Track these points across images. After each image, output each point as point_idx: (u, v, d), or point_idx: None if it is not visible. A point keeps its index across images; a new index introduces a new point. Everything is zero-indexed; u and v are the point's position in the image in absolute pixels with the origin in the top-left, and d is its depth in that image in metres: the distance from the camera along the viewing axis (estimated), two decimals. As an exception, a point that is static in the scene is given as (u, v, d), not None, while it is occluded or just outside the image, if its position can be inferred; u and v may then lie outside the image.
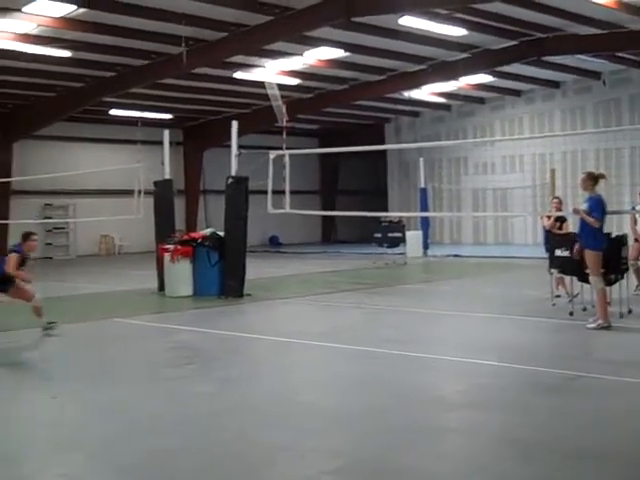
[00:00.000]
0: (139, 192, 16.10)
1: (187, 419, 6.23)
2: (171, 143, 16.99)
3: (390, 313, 12.38)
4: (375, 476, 4.88)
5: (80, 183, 28.22)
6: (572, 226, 13.05)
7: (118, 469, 5.12)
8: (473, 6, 17.71)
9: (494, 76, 26.05)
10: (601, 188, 10.11)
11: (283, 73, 23.87)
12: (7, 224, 26.39)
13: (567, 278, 11.79)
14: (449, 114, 32.88)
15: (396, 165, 35.25)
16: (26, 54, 19.72)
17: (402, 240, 23.97)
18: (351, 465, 5.08)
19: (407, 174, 33.96)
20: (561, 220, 12.78)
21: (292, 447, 5.47)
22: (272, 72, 23.45)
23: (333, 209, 36.09)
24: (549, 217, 13.01)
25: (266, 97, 23.05)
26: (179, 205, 23.42)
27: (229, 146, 14.79)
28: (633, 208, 14.61)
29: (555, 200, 13.40)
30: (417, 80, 25.45)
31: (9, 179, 25.71)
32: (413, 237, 24.99)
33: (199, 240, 14.75)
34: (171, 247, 14.69)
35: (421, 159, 27.10)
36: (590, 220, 9.71)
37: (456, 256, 24.77)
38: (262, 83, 23.26)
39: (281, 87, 23.48)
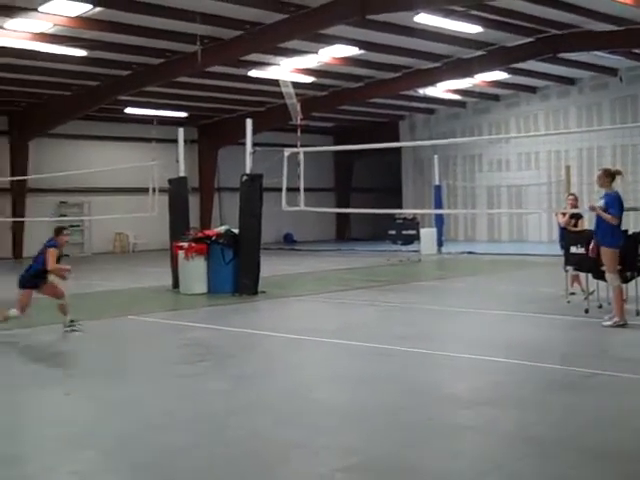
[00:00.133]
0: (154, 190, 16.16)
1: (201, 416, 6.24)
2: (186, 141, 17.04)
3: (404, 310, 12.36)
4: (389, 474, 4.87)
5: (95, 181, 28.37)
6: (587, 223, 12.98)
7: (132, 466, 5.13)
8: (488, 3, 17.63)
9: (509, 73, 25.94)
10: (617, 185, 10.04)
11: (298, 71, 23.86)
12: (23, 221, 26.64)
13: (582, 275, 11.73)
14: (464, 111, 32.78)
15: (411, 162, 35.18)
16: (42, 53, 19.84)
17: (416, 237, 23.93)
18: (365, 463, 5.07)
19: (422, 171, 33.89)
20: (576, 217, 12.70)
21: (306, 444, 5.47)
22: (287, 70, 23.46)
23: (347, 206, 36.11)
24: (564, 214, 12.93)
25: (281, 95, 23.11)
26: (193, 203, 23.49)
27: (244, 144, 14.82)
28: (649, 205, 14.53)
29: (570, 197, 13.34)
30: (432, 77, 25.38)
31: (25, 177, 25.90)
32: (427, 234, 24.94)
33: (213, 238, 14.77)
34: (185, 245, 14.73)
35: (436, 156, 27.06)
36: (607, 217, 9.63)
37: (470, 253, 24.70)
38: (277, 81, 23.31)
39: (296, 85, 23.55)
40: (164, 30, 18.82)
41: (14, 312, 9.82)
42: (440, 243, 25.49)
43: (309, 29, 18.70)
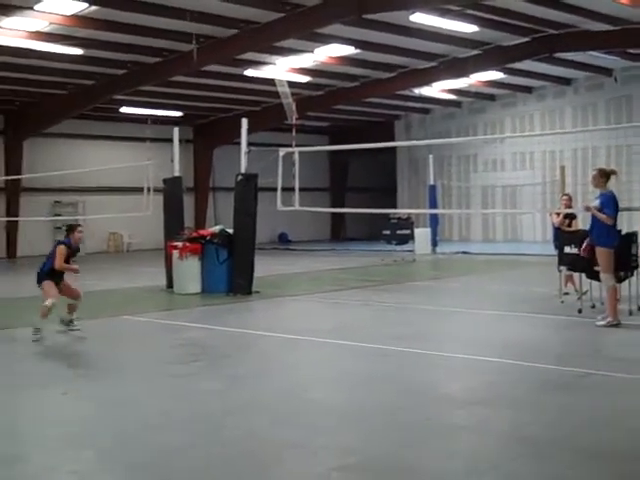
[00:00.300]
0: (148, 189, 16.14)
1: (197, 416, 6.24)
2: (181, 141, 17.03)
3: (399, 310, 12.37)
4: (386, 474, 4.88)
5: (89, 180, 28.32)
6: (581, 223, 13.02)
7: (129, 466, 5.13)
8: (484, 3, 17.66)
9: (505, 73, 25.98)
10: (612, 185, 10.06)
11: (293, 70, 23.86)
12: (17, 221, 26.58)
13: (576, 275, 11.75)
14: (459, 111, 32.81)
15: (406, 162, 35.20)
16: (38, 52, 19.81)
17: (411, 237, 23.95)
18: (362, 462, 5.08)
19: (416, 171, 33.91)
20: (570, 217, 12.73)
21: (302, 444, 5.47)
22: (282, 69, 23.45)
23: (342, 206, 36.09)
24: (558, 214, 12.96)
25: (276, 94, 23.11)
26: (188, 202, 23.52)
27: (239, 143, 14.81)
28: (644, 205, 14.56)
29: (564, 197, 13.37)
30: (428, 77, 25.40)
31: (19, 176, 25.84)
32: (422, 234, 24.97)
33: (208, 237, 14.76)
34: (180, 244, 14.72)
35: (431, 156, 27.06)
36: (602, 217, 9.65)
37: (465, 253, 24.73)
38: (272, 80, 23.31)
39: (291, 84, 23.54)
40: (160, 29, 18.80)
41: (49, 302, 9.70)
42: (434, 243, 25.53)
43: (305, 28, 18.69)
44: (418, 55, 23.03)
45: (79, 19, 17.49)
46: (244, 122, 14.78)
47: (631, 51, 23.54)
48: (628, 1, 17.05)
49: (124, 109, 28.32)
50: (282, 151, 14.31)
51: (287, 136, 23.99)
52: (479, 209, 31.74)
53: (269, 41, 19.76)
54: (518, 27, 20.51)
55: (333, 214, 37.36)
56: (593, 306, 11.20)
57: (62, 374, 8.09)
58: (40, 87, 24.82)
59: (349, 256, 25.40)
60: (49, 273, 9.96)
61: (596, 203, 9.84)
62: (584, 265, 10.59)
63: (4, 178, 26.07)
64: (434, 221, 26.11)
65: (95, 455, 5.40)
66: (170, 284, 15.15)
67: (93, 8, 16.78)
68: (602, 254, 9.77)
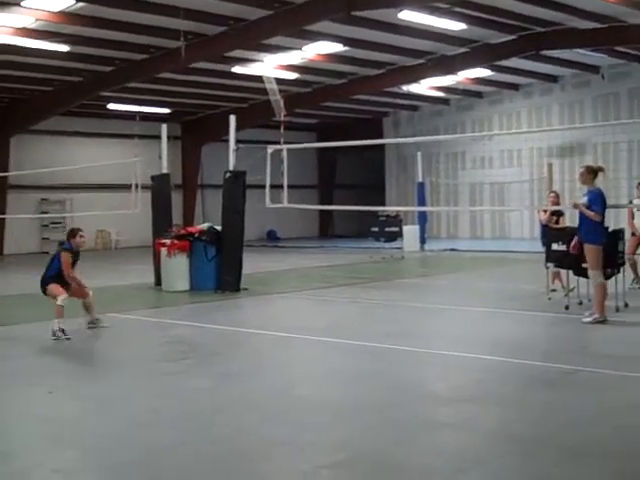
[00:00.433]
0: (136, 187, 16.08)
1: (185, 414, 6.23)
2: (169, 137, 16.98)
3: (387, 307, 12.39)
4: (375, 471, 4.89)
5: (77, 178, 28.15)
6: (569, 220, 13.08)
7: (115, 465, 5.11)
8: (472, 0, 17.69)
9: (493, 70, 26.05)
10: (599, 182, 10.11)
11: (281, 67, 23.84)
12: (4, 219, 26.42)
13: (563, 272, 11.81)
14: (448, 108, 32.86)
15: (394, 159, 35.24)
16: (24, 48, 19.68)
17: (399, 234, 23.99)
18: (350, 460, 5.09)
19: (405, 168, 33.96)
20: (558, 214, 12.78)
21: (291, 442, 5.48)
22: (270, 66, 23.42)
23: (331, 203, 36.09)
24: (545, 211, 13.02)
25: (264, 91, 23.07)
26: (176, 200, 23.45)
27: (227, 140, 14.79)
28: (630, 202, 14.64)
29: (552, 194, 13.41)
30: (416, 74, 25.44)
31: (6, 174, 25.68)
32: (410, 231, 24.99)
33: (196, 235, 14.73)
34: (168, 242, 14.68)
35: (419, 153, 27.12)
36: (590, 214, 9.69)
37: (453, 250, 24.78)
38: (260, 77, 23.27)
39: (279, 81, 23.51)
40: (147, 25, 18.74)
41: (60, 300, 9.62)
42: (423, 240, 25.54)
43: (293, 25, 18.69)
44: (406, 52, 23.06)
45: (66, 15, 17.41)
46: (232, 119, 14.76)
47: (618, 49, 23.65)
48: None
49: (111, 106, 28.21)
50: (270, 148, 14.30)
51: (275, 133, 23.97)
52: (467, 206, 31.81)
53: (257, 38, 19.72)
54: (505, 25, 20.58)
55: (321, 211, 37.34)
56: (580, 303, 11.26)
57: (49, 372, 8.06)
58: (27, 84, 24.69)
59: (337, 253, 25.41)
60: (53, 277, 9.86)
61: (584, 200, 9.88)
62: (571, 262, 10.64)
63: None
64: (422, 218, 26.13)
65: (80, 453, 5.39)
66: (158, 281, 15.12)
67: (80, 4, 16.71)
68: (590, 251, 9.81)
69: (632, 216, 13.20)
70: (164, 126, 16.49)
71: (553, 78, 28.74)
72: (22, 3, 16.42)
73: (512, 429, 5.67)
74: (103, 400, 6.75)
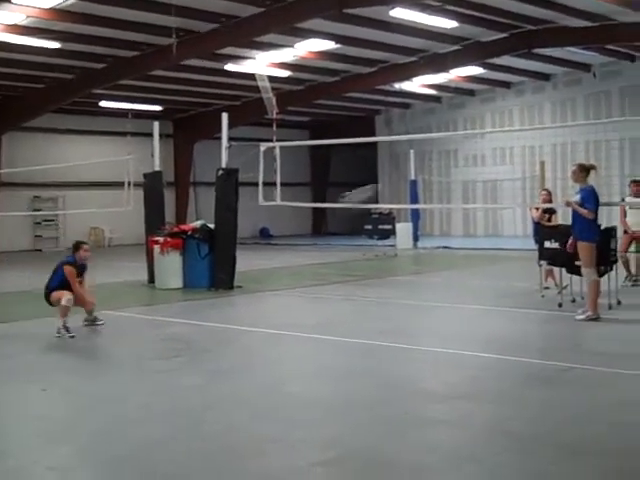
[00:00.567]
0: (129, 184, 16.05)
1: (177, 411, 6.23)
2: (161, 135, 16.95)
3: (380, 305, 12.39)
4: (366, 467, 4.89)
5: (69, 175, 28.06)
6: (561, 218, 13.10)
7: (108, 461, 5.11)
8: (464, -2, 17.71)
9: (484, 68, 26.05)
10: (591, 179, 10.13)
11: (274, 65, 23.79)
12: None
13: (556, 270, 11.83)
14: (440, 106, 32.87)
15: (386, 157, 35.24)
16: (15, 45, 19.57)
17: (392, 232, 24.04)
18: (342, 456, 5.08)
19: (397, 166, 33.96)
20: (550, 212, 12.81)
21: (282, 438, 5.47)
22: (263, 64, 23.38)
23: (324, 201, 36.06)
24: (538, 209, 13.04)
25: (257, 89, 23.01)
26: (169, 197, 23.36)
27: (219, 138, 14.76)
28: (623, 200, 14.67)
29: (544, 192, 13.43)
30: (408, 72, 25.43)
31: (-2, 171, 25.60)
32: (403, 229, 25.02)
33: (189, 232, 14.71)
34: (161, 239, 14.66)
35: (411, 151, 27.12)
36: (583, 212, 9.70)
37: (446, 248, 24.81)
38: (253, 75, 23.22)
39: (272, 79, 23.46)
40: (139, 22, 18.66)
41: (65, 301, 9.54)
42: (416, 238, 25.58)
43: (285, 23, 18.64)
44: (398, 50, 23.05)
45: (57, 12, 17.32)
46: (224, 117, 14.73)
47: (609, 47, 23.70)
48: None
49: (103, 103, 28.11)
50: (263, 146, 14.29)
51: (268, 131, 23.95)
52: (460, 204, 31.84)
53: (249, 35, 19.69)
54: (497, 23, 20.58)
55: (314, 209, 37.30)
56: (573, 300, 11.29)
57: (43, 370, 8.03)
58: (18, 81, 24.56)
59: (330, 251, 25.41)
60: (56, 288, 9.78)
61: (577, 198, 9.89)
62: (564, 259, 10.65)
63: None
64: (415, 216, 26.16)
65: (75, 450, 5.38)
66: (152, 279, 15.09)
67: (71, 1, 16.62)
68: (584, 249, 9.81)
69: (624, 214, 13.23)
70: (156, 124, 16.46)
71: (545, 76, 28.78)
72: (13, 0, 16.33)
73: (508, 426, 5.67)
74: (97, 397, 6.74)
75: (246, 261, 16.99)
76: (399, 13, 18.55)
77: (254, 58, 22.77)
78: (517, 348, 8.44)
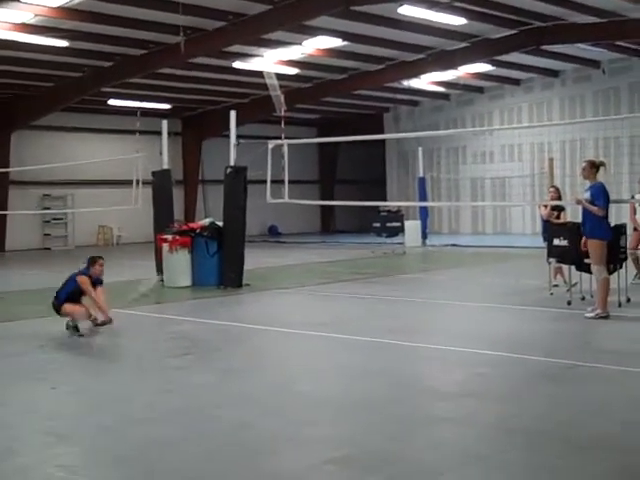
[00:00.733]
0: (137, 182, 16.09)
1: (187, 409, 6.24)
2: (169, 133, 16.99)
3: (389, 303, 12.38)
4: (378, 466, 4.89)
5: (78, 173, 28.17)
6: (570, 215, 13.06)
7: (117, 459, 5.12)
8: (472, -5, 17.67)
9: (493, 65, 26.01)
10: (600, 176, 10.09)
11: (282, 63, 23.81)
12: (5, 215, 26.42)
13: (565, 267, 11.80)
14: (448, 103, 32.82)
15: (395, 154, 35.21)
16: (24, 44, 19.65)
17: (401, 230, 23.98)
18: (354, 455, 5.08)
19: (406, 163, 33.94)
20: (559, 209, 12.78)
21: (293, 437, 5.48)
22: (271, 62, 23.40)
23: (332, 199, 36.10)
24: (546, 206, 13.01)
25: (265, 87, 22.98)
26: (178, 195, 23.42)
27: (228, 136, 14.77)
28: (632, 197, 14.62)
29: (552, 189, 13.40)
30: (416, 69, 25.40)
31: (7, 169, 25.68)
32: (412, 227, 24.99)
33: (198, 230, 14.73)
34: (170, 237, 14.68)
35: (420, 148, 27.08)
36: (593, 209, 9.65)
37: (454, 245, 24.77)
38: (261, 73, 23.21)
39: (280, 77, 23.42)
40: (147, 21, 18.72)
41: (78, 317, 9.53)
42: (424, 235, 25.54)
43: (293, 20, 18.65)
44: (406, 47, 23.02)
45: (65, 11, 17.37)
46: (232, 114, 14.74)
47: (618, 43, 23.60)
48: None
49: (112, 101, 28.19)
50: (271, 143, 14.30)
51: (276, 128, 23.92)
52: (468, 201, 31.80)
53: (257, 33, 19.71)
54: (506, 19, 20.54)
55: (323, 206, 37.34)
56: (583, 298, 11.26)
57: (52, 368, 8.05)
58: (27, 79, 24.66)
59: (339, 248, 25.41)
60: (67, 300, 9.67)
61: (586, 195, 9.85)
62: (573, 257, 10.62)
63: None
64: (424, 213, 26.12)
65: (84, 449, 5.40)
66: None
67: (79, 0, 16.66)
68: (595, 246, 9.76)
69: (634, 211, 13.17)
70: (164, 122, 16.48)
71: (554, 73, 28.70)
72: (22, -1, 16.39)
73: (515, 423, 5.66)
74: (107, 395, 6.76)
75: (254, 259, 17.01)
76: (407, 10, 18.53)
77: (262, 56, 22.79)
78: (526, 346, 8.42)
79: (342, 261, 20.44)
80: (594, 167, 9.98)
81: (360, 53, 23.49)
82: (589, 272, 10.48)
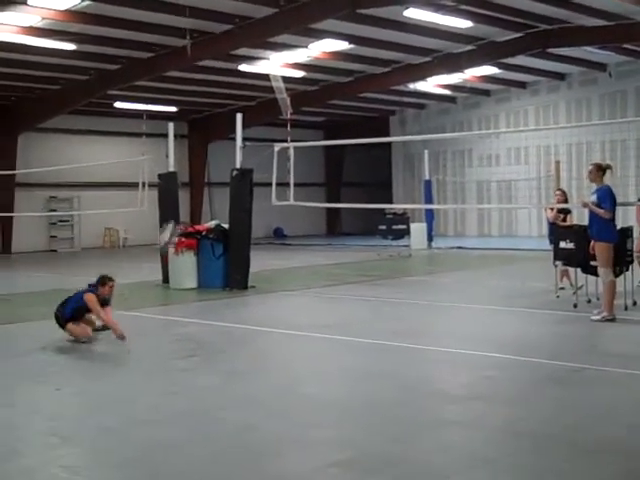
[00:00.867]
0: (143, 185, 16.12)
1: (191, 411, 6.23)
2: (176, 136, 17.01)
3: (395, 305, 12.37)
4: (383, 468, 4.87)
5: (85, 176, 28.22)
6: (576, 218, 13.03)
7: (122, 461, 5.12)
8: (478, -2, 17.66)
9: (499, 68, 25.97)
10: (607, 179, 10.06)
11: (288, 65, 23.83)
12: (12, 217, 26.49)
13: (571, 270, 11.77)
14: (454, 106, 32.80)
15: (401, 157, 35.20)
16: (31, 47, 19.72)
17: (407, 232, 24.00)
18: (358, 457, 5.07)
19: (412, 166, 33.92)
20: (565, 212, 12.76)
21: (298, 439, 5.47)
22: (277, 64, 23.41)
23: (338, 201, 36.08)
24: (552, 209, 12.98)
25: (271, 89, 23.04)
26: (184, 198, 23.49)
27: (234, 139, 14.78)
28: (639, 200, 14.58)
29: (558, 192, 13.37)
30: (422, 72, 25.39)
31: (14, 171, 25.76)
32: (417, 229, 24.98)
33: (203, 232, 14.75)
34: (175, 239, 14.70)
35: (426, 151, 27.08)
36: (600, 212, 9.63)
37: (460, 248, 24.75)
38: (267, 75, 23.25)
39: (286, 79, 23.47)
40: (153, 24, 18.75)
41: (83, 338, 9.39)
42: (430, 238, 25.53)
43: (299, 23, 18.66)
44: (412, 50, 23.01)
45: (72, 14, 17.43)
46: (239, 117, 14.75)
47: (625, 46, 23.55)
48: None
49: (118, 104, 28.24)
50: (277, 146, 14.30)
51: (282, 131, 23.94)
52: (474, 204, 31.76)
53: (263, 36, 19.71)
54: (512, 22, 20.51)
55: (328, 209, 37.34)
56: (589, 301, 11.23)
57: (57, 369, 8.07)
58: (34, 82, 24.74)
59: (345, 251, 25.40)
60: (71, 317, 9.47)
61: (593, 198, 9.83)
62: (580, 260, 10.60)
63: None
64: (430, 216, 26.11)
65: (88, 450, 5.40)
66: (166, 279, 15.13)
67: (86, 3, 16.71)
68: (602, 249, 9.73)
69: (641, 214, 13.13)
70: (171, 124, 16.51)
71: (560, 76, 28.66)
72: (28, 2, 16.43)
73: (522, 426, 5.64)
74: (111, 397, 6.76)
75: (260, 261, 17.02)
76: (413, 13, 18.52)
77: (268, 59, 22.81)
78: (532, 349, 8.40)
79: (348, 263, 20.44)
80: (600, 170, 9.96)
81: (366, 56, 23.50)
82: (595, 275, 10.45)
